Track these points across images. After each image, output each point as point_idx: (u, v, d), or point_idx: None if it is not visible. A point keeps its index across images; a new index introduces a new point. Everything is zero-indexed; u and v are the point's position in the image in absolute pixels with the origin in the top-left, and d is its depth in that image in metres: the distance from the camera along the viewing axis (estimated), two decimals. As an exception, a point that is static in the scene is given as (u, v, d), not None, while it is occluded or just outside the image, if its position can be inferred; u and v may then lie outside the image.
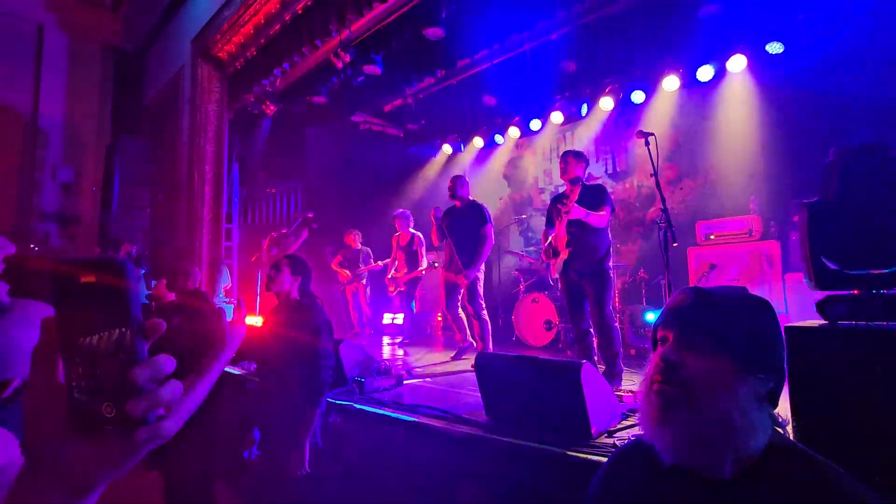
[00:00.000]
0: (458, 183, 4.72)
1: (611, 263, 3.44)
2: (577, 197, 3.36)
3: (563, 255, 3.40)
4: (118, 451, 0.41)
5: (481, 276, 4.56)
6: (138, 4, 6.13)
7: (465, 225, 4.54)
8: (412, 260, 5.80)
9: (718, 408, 0.78)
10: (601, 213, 3.34)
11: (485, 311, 4.53)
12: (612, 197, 6.39)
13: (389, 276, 5.97)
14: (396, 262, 5.92)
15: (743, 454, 0.79)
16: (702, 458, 0.80)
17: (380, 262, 6.25)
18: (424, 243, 5.81)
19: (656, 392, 0.83)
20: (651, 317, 4.71)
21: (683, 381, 0.81)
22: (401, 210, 5.99)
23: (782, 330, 0.88)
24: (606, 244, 3.43)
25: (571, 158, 3.57)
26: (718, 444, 0.78)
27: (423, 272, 5.90)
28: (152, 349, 0.41)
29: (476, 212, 4.55)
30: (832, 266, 1.60)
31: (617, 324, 3.40)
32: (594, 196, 3.42)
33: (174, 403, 0.41)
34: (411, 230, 5.84)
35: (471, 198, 4.74)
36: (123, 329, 0.39)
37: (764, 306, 0.88)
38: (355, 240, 6.46)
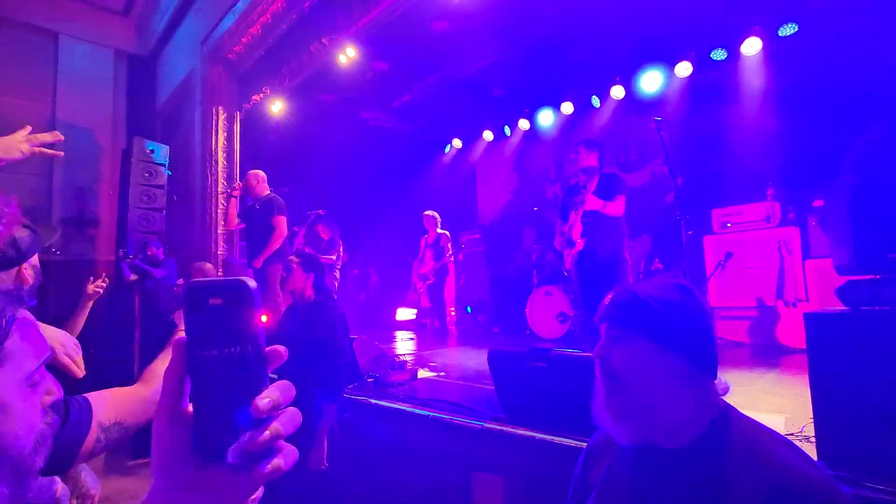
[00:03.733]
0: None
1: (626, 254, 3.40)
2: (594, 188, 3.32)
3: (579, 246, 3.38)
4: (239, 483, 0.39)
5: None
6: (149, 9, 6.20)
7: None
8: (439, 255, 5.94)
9: (641, 389, 0.88)
10: (617, 202, 3.30)
11: None
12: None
13: (418, 274, 6.06)
14: (424, 259, 6.05)
15: (675, 423, 0.88)
16: (641, 435, 0.89)
17: (334, 256, 6.11)
18: (450, 240, 5.99)
19: (597, 387, 0.95)
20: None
21: (613, 373, 0.92)
22: (430, 212, 6.07)
23: (702, 308, 0.94)
24: (622, 234, 3.39)
25: (583, 148, 3.53)
26: (648, 419, 0.88)
27: (451, 259, 6.03)
28: None
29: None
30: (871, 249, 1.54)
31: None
32: (609, 185, 3.38)
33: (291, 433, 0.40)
34: (438, 230, 5.98)
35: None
36: (248, 355, 0.38)
37: (677, 288, 0.95)
38: (325, 231, 6.36)
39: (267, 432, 0.37)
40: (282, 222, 4.39)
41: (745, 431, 0.88)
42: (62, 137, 1.63)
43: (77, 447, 0.81)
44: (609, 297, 0.99)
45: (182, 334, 0.39)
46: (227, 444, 0.38)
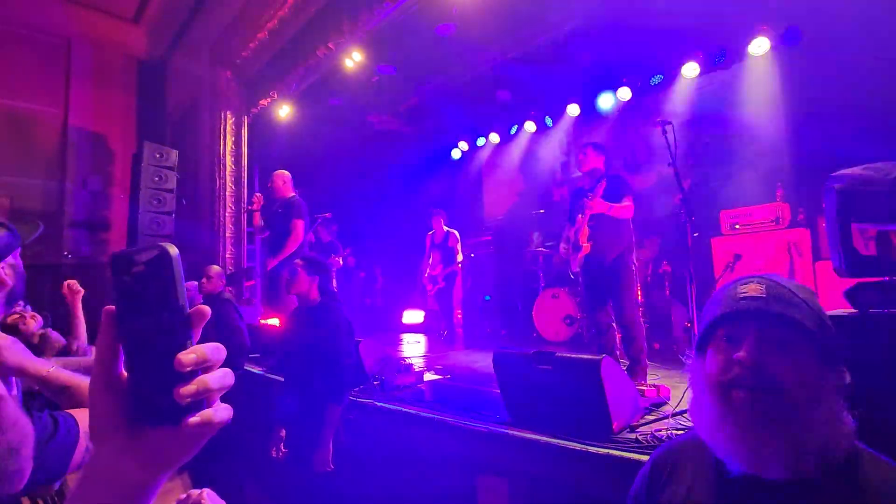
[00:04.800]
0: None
1: (634, 256, 3.37)
2: (601, 190, 3.30)
3: (586, 249, 3.35)
4: (175, 440, 0.41)
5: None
6: (159, 16, 6.28)
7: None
8: (448, 256, 5.87)
9: (821, 411, 0.71)
10: (624, 203, 3.28)
11: None
12: (633, 189, 6.29)
13: (427, 275, 6.03)
14: (431, 260, 5.99)
15: (831, 453, 0.72)
16: (791, 462, 0.72)
17: (339, 259, 6.07)
18: (459, 240, 5.90)
19: (744, 401, 0.74)
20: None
21: (775, 387, 0.73)
22: (436, 209, 6.04)
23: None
24: (629, 237, 3.36)
25: (591, 150, 3.52)
26: (817, 449, 0.71)
27: (461, 265, 5.95)
28: None
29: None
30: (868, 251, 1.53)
31: (641, 319, 3.33)
32: (616, 187, 3.36)
33: (223, 391, 0.41)
34: (445, 228, 5.92)
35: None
36: (172, 316, 0.39)
37: (814, 294, 0.81)
38: (326, 234, 6.34)
39: (192, 385, 0.38)
40: (299, 226, 4.41)
41: (871, 465, 0.74)
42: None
43: (68, 457, 0.82)
44: (755, 287, 0.80)
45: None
46: (158, 403, 0.39)
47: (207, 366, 0.40)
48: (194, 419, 0.39)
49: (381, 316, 8.28)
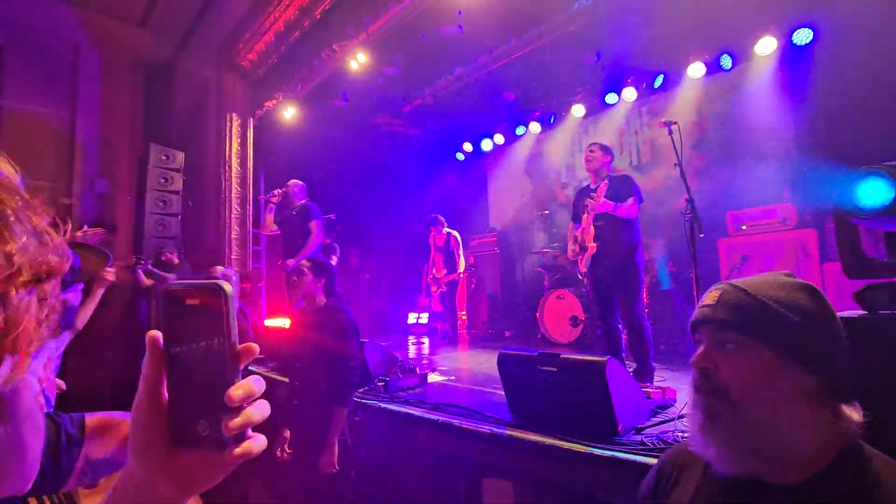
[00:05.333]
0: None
1: (641, 257, 3.35)
2: (605, 190, 3.29)
3: (591, 250, 3.34)
4: (213, 465, 0.43)
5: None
6: (165, 20, 6.32)
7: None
8: (450, 260, 5.94)
9: (760, 410, 0.73)
10: (629, 204, 3.26)
11: None
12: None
13: (430, 277, 6.07)
14: (435, 263, 6.06)
15: (798, 456, 0.73)
16: (752, 466, 0.75)
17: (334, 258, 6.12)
18: (461, 243, 5.96)
19: (695, 403, 0.80)
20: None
21: (721, 388, 0.76)
22: (433, 215, 6.10)
23: (834, 316, 0.79)
24: (635, 238, 3.33)
25: (597, 149, 3.50)
26: (766, 448, 0.73)
27: (461, 275, 5.99)
28: None
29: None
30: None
31: (647, 320, 3.31)
32: (621, 187, 3.34)
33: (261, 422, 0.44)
34: (445, 231, 5.96)
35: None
36: (223, 350, 0.41)
37: (805, 289, 0.80)
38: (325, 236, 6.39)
39: (239, 418, 0.41)
40: (318, 226, 4.62)
41: (883, 468, 0.72)
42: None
43: (76, 456, 0.76)
44: (712, 295, 0.83)
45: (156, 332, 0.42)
46: (201, 429, 0.41)
47: (251, 399, 0.42)
48: (238, 450, 0.42)
49: (385, 317, 8.29)
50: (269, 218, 4.90)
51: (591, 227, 3.36)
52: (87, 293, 2.47)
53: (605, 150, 3.52)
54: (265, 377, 3.81)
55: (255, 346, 0.43)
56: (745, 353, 0.76)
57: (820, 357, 0.75)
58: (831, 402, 0.74)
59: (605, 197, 3.23)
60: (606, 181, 3.35)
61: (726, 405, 0.75)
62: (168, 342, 0.42)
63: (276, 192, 4.92)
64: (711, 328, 0.81)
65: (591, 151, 3.51)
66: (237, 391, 0.41)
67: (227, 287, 0.41)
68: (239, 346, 0.42)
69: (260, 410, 0.43)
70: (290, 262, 4.51)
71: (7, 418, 0.49)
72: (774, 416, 0.73)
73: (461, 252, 5.95)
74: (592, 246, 3.34)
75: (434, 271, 6.05)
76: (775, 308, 0.77)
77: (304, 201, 4.80)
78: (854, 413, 0.75)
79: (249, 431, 0.43)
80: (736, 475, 0.76)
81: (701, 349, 0.81)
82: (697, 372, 0.80)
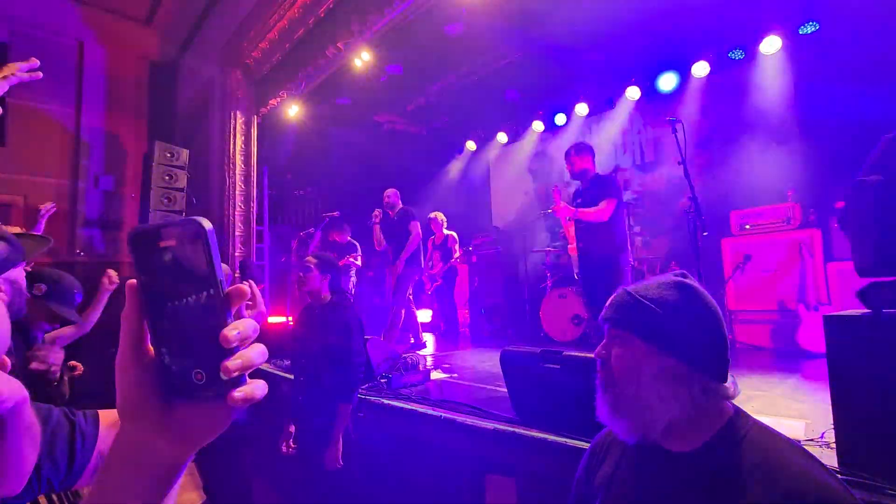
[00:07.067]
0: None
1: (627, 257, 3.34)
2: (577, 194, 3.31)
3: (572, 251, 3.38)
4: (212, 416, 0.40)
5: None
6: (170, 18, 6.35)
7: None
8: (447, 257, 6.04)
9: (630, 387, 0.91)
10: (597, 207, 3.21)
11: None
12: (642, 189, 6.27)
13: (426, 274, 6.09)
14: (432, 261, 6.12)
15: (679, 425, 0.88)
16: (644, 434, 0.90)
17: (357, 258, 6.10)
18: (458, 241, 6.08)
19: (596, 383, 0.99)
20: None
21: (609, 371, 0.96)
22: (434, 214, 6.14)
23: (703, 305, 0.92)
24: (618, 238, 3.31)
25: (573, 155, 3.48)
26: (640, 418, 0.89)
27: (458, 259, 6.14)
28: None
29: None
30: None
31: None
32: (597, 189, 3.33)
33: (261, 365, 0.40)
34: (445, 231, 6.03)
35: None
36: (210, 291, 0.37)
37: (675, 286, 0.94)
38: (341, 235, 6.27)
39: (238, 360, 0.38)
40: (416, 226, 4.92)
41: (759, 438, 0.86)
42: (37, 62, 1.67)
43: (90, 453, 0.76)
44: (611, 298, 1.01)
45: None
46: (196, 378, 0.38)
47: (248, 342, 0.39)
48: (239, 394, 0.38)
49: (389, 315, 8.28)
50: (379, 236, 5.13)
51: (572, 229, 3.38)
52: (90, 298, 2.47)
53: (581, 150, 3.47)
54: (269, 374, 3.84)
55: (245, 287, 0.40)
56: (624, 344, 0.94)
57: (679, 342, 0.89)
58: (698, 379, 0.88)
59: (581, 199, 3.23)
60: (587, 184, 3.36)
61: (612, 384, 0.94)
62: (147, 289, 0.38)
63: (375, 211, 5.16)
64: (608, 326, 0.99)
65: (569, 158, 3.50)
66: (232, 331, 0.37)
67: (206, 223, 0.38)
68: (227, 289, 0.39)
69: (258, 353, 0.39)
70: (399, 264, 4.82)
71: (7, 434, 0.49)
72: (640, 391, 0.89)
73: (457, 247, 6.11)
74: (572, 247, 3.37)
75: (429, 269, 6.09)
76: (646, 304, 0.92)
77: (402, 206, 5.12)
78: (728, 388, 0.90)
79: (247, 378, 0.39)
80: (641, 444, 0.92)
81: (602, 342, 1.00)
82: (597, 359, 1.00)
